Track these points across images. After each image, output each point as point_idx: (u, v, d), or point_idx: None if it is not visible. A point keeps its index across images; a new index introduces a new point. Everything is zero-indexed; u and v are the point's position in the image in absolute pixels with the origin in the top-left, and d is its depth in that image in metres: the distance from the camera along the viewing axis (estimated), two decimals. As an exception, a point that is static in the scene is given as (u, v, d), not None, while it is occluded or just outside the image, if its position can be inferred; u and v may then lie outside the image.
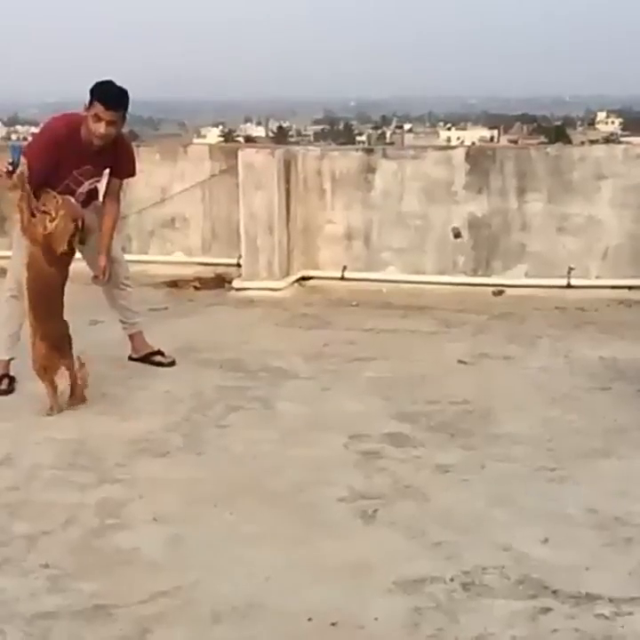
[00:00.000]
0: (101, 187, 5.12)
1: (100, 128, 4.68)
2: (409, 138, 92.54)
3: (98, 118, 4.67)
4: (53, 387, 4.62)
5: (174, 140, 43.57)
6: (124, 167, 5.08)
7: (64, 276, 4.72)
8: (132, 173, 5.21)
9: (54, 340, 4.65)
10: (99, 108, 4.66)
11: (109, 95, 4.70)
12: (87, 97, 4.73)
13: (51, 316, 4.69)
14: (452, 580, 2.99)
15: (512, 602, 2.86)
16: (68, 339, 4.75)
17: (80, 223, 4.59)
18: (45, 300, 4.65)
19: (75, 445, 4.18)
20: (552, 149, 7.34)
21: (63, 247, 4.54)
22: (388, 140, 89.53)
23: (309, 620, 2.78)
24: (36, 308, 4.61)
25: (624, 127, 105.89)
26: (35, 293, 4.60)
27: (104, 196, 5.11)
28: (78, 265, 6.24)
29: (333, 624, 2.75)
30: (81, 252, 5.26)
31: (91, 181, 4.94)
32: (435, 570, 3.05)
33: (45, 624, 2.79)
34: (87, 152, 4.78)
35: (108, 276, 5.12)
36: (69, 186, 4.81)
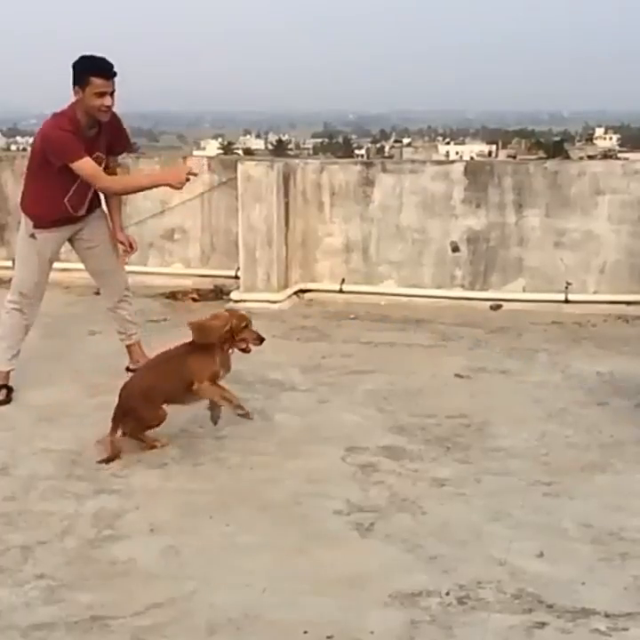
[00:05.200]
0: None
1: (107, 101, 4.69)
2: (408, 152, 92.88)
3: (100, 93, 4.66)
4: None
5: (174, 153, 43.68)
6: (122, 142, 5.12)
7: None
8: (127, 146, 5.26)
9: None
10: (98, 82, 4.65)
11: (103, 66, 4.70)
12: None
13: None
14: (447, 593, 2.99)
15: (507, 616, 2.86)
16: None
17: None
18: None
19: (72, 456, 4.18)
20: (550, 164, 7.36)
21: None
22: (386, 154, 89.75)
23: (305, 632, 2.78)
24: None
25: (622, 143, 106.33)
26: None
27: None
28: (73, 275, 6.29)
29: (329, 637, 2.75)
30: (83, 261, 5.29)
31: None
32: (430, 583, 3.05)
33: (41, 635, 2.79)
34: (91, 138, 4.81)
35: (134, 250, 5.32)
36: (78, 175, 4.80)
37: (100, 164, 4.88)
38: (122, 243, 5.25)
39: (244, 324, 4.32)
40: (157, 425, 4.25)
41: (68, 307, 7.00)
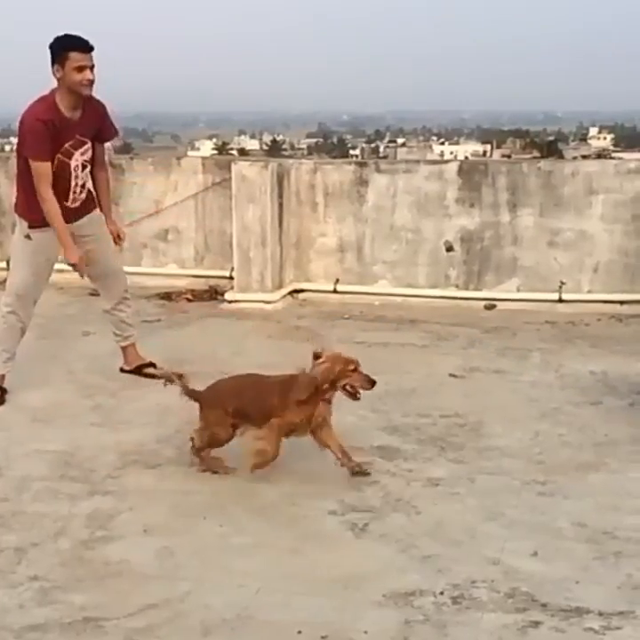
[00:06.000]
0: (87, 183, 5.12)
1: (88, 74, 4.74)
2: (402, 152, 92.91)
3: (80, 68, 4.71)
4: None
5: (168, 153, 43.64)
6: (107, 130, 5.13)
7: None
8: (115, 134, 5.26)
9: None
10: (77, 56, 4.70)
11: (81, 41, 4.75)
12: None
13: None
14: (441, 593, 2.99)
15: (501, 615, 2.86)
16: None
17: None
18: None
19: (65, 457, 4.18)
20: (544, 164, 7.37)
21: None
22: (381, 154, 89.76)
23: (299, 632, 2.78)
24: None
25: (616, 143, 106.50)
26: None
27: (92, 165, 5.09)
28: (67, 276, 6.27)
29: (323, 637, 2.75)
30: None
31: (82, 150, 4.92)
32: (424, 583, 3.05)
33: (34, 636, 2.78)
34: (71, 122, 4.82)
35: (122, 240, 5.35)
36: (63, 161, 4.83)
37: (80, 148, 4.89)
38: (110, 232, 5.25)
39: (351, 368, 3.88)
40: (219, 443, 4.00)
41: (62, 307, 6.99)
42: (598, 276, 7.10)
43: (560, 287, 7.11)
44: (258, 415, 3.91)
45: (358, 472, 3.91)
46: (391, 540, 3.37)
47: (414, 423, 4.60)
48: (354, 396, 3.92)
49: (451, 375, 5.42)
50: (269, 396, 3.92)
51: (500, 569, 3.15)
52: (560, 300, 7.08)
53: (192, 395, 4.08)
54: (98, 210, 5.21)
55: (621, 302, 6.96)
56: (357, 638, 2.76)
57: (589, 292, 7.12)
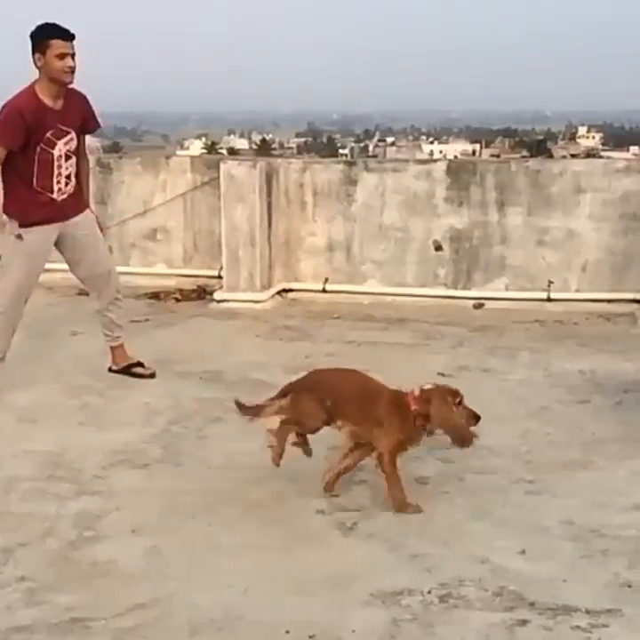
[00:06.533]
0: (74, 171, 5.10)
1: (69, 62, 4.76)
2: (392, 151, 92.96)
3: (62, 55, 4.73)
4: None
5: (157, 152, 43.53)
6: (90, 121, 5.14)
7: None
8: (97, 125, 5.26)
9: None
10: (59, 44, 4.73)
11: (61, 29, 4.78)
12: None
13: None
14: (429, 592, 3.00)
15: (489, 614, 2.87)
16: None
17: None
18: None
19: (53, 457, 4.16)
20: (532, 163, 7.39)
21: None
22: (370, 153, 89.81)
23: (287, 632, 2.77)
24: None
25: (605, 142, 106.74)
26: None
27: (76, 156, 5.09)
28: (56, 275, 6.25)
29: (311, 637, 2.75)
30: (75, 267, 5.24)
31: (65, 140, 4.92)
32: (412, 582, 3.05)
33: (21, 637, 2.77)
34: (53, 111, 4.82)
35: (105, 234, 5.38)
36: (45, 150, 4.82)
37: (62, 137, 4.89)
38: (96, 220, 5.28)
39: (457, 401, 3.69)
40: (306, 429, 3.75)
41: (50, 307, 6.97)
42: (586, 274, 7.12)
43: (548, 286, 7.12)
44: (358, 415, 3.69)
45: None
46: (379, 540, 3.37)
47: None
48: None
49: (439, 374, 5.41)
50: (375, 402, 3.69)
51: (487, 568, 3.15)
52: (548, 299, 7.09)
53: (283, 391, 3.80)
54: (90, 210, 5.21)
55: (609, 301, 6.98)
56: (345, 637, 2.76)
57: (577, 291, 7.13)
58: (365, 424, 3.67)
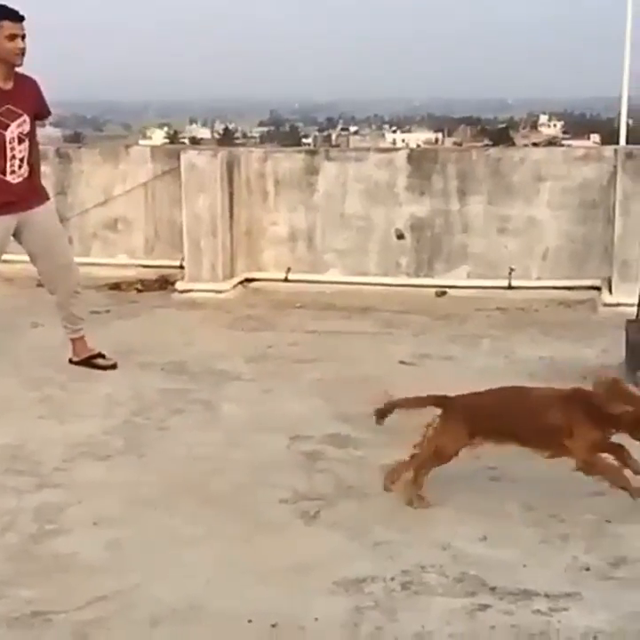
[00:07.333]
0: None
1: (20, 43, 4.77)
2: (355, 140, 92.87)
3: (12, 36, 4.74)
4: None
5: (119, 142, 43.13)
6: (42, 108, 5.13)
7: None
8: (48, 113, 5.27)
9: None
10: (9, 25, 4.74)
11: (11, 10, 4.78)
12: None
13: None
14: (392, 579, 3.01)
15: (450, 599, 2.89)
16: None
17: None
18: None
19: (12, 450, 4.12)
20: (493, 152, 7.43)
21: None
22: (333, 143, 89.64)
23: (250, 621, 2.78)
24: None
25: (565, 130, 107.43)
26: None
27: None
28: (15, 267, 6.19)
29: (274, 625, 2.75)
30: (36, 259, 5.19)
31: (17, 122, 4.89)
32: (375, 569, 3.07)
33: (-19, 631, 2.75)
34: (2, 92, 4.82)
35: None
36: None
37: (15, 120, 4.86)
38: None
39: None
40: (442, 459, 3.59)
41: (9, 299, 6.90)
42: (547, 262, 7.17)
43: (510, 274, 7.16)
44: (530, 434, 3.52)
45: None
46: (342, 528, 3.38)
47: (365, 411, 4.57)
48: None
49: (401, 362, 5.44)
50: (547, 413, 3.50)
51: (449, 554, 3.17)
52: (510, 287, 7.14)
53: (437, 401, 3.71)
54: (51, 201, 5.16)
55: (569, 288, 7.04)
56: (308, 626, 2.76)
57: (538, 278, 7.19)
58: (543, 441, 3.50)
